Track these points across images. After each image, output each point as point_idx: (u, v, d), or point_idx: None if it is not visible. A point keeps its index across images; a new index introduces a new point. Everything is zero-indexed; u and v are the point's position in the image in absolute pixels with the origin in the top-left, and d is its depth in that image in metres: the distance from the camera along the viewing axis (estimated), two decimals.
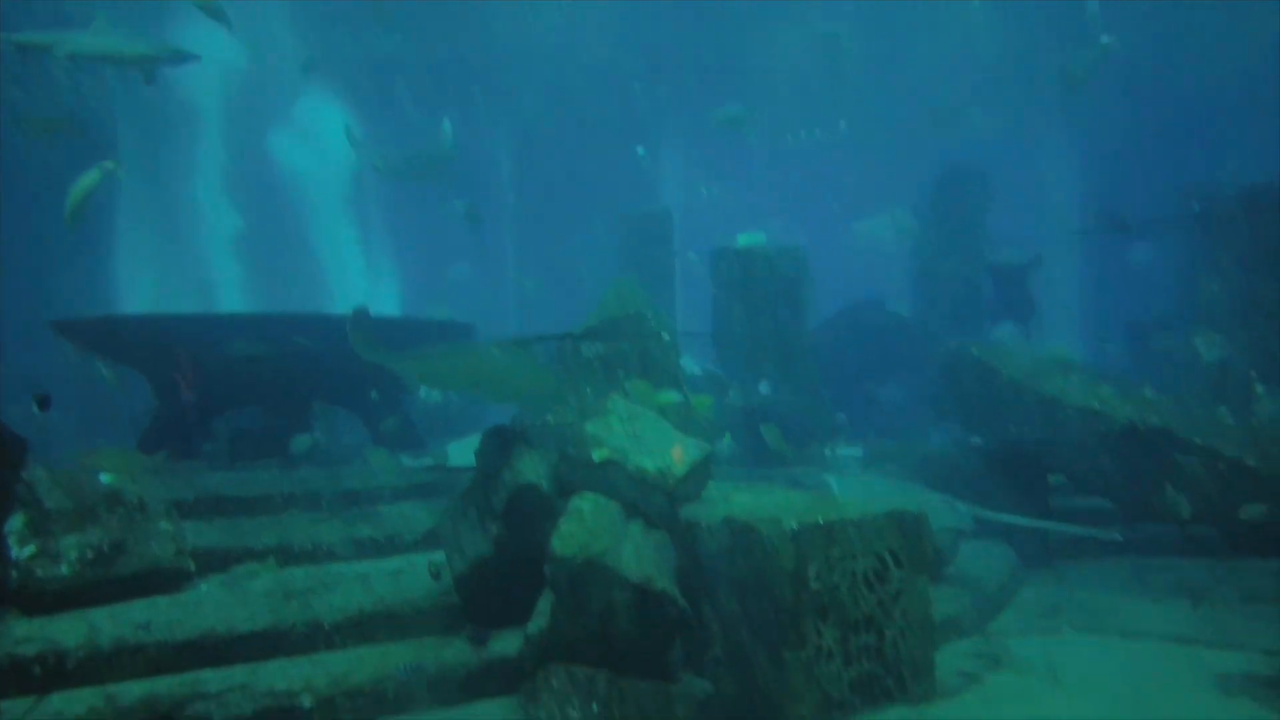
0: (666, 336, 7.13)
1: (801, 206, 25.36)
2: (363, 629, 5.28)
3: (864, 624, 5.14)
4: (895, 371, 13.32)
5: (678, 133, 22.76)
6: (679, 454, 5.55)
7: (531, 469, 5.41)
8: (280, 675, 4.82)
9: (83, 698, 4.54)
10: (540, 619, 4.73)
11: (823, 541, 5.06)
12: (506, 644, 5.07)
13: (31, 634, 4.78)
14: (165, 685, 4.67)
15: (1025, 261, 13.05)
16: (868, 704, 5.10)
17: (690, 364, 10.21)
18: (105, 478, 5.86)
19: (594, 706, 4.18)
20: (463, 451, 7.29)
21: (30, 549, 5.20)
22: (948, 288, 13.81)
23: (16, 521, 5.27)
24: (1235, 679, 5.53)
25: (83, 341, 9.12)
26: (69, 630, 4.85)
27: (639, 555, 4.83)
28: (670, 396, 6.58)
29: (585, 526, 4.81)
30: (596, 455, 5.51)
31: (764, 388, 8.88)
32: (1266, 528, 6.70)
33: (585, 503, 5.10)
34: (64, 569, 5.21)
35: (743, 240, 9.96)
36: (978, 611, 6.83)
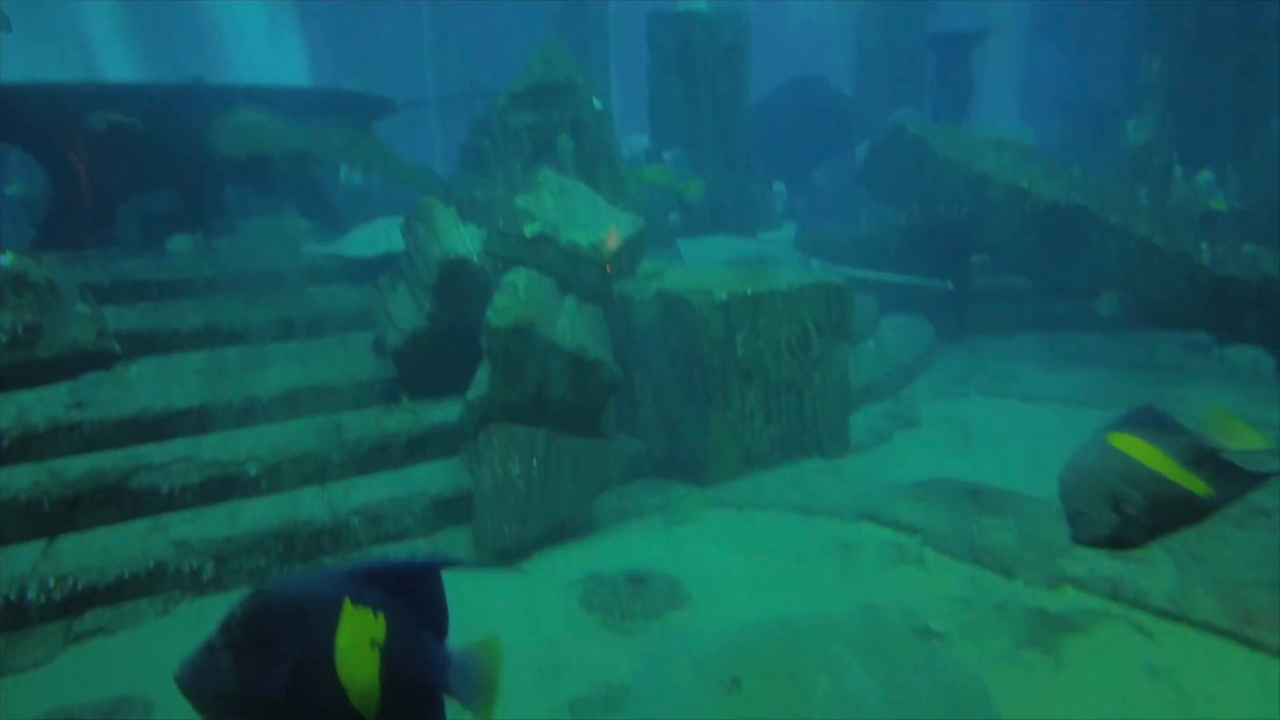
0: (599, 104, 6.78)
1: None
2: (301, 403, 5.35)
3: (785, 387, 5.47)
4: (833, 152, 13.13)
5: None
6: (613, 229, 5.50)
7: (461, 243, 5.30)
8: (223, 447, 4.93)
9: (24, 473, 4.58)
10: (479, 387, 4.86)
11: (750, 311, 5.23)
12: (447, 412, 5.24)
13: None
14: (108, 459, 4.74)
15: (968, 33, 12.54)
16: (786, 458, 5.55)
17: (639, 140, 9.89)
18: (5, 260, 5.52)
19: (534, 462, 4.43)
20: (370, 234, 7.06)
21: None
22: (889, 63, 13.31)
23: None
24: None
25: None
26: None
27: (573, 326, 4.91)
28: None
29: (519, 299, 4.82)
30: (528, 230, 5.41)
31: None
32: (1166, 304, 7.18)
33: (519, 277, 5.09)
34: None
35: (684, 8, 9.29)
36: (894, 378, 7.31)
